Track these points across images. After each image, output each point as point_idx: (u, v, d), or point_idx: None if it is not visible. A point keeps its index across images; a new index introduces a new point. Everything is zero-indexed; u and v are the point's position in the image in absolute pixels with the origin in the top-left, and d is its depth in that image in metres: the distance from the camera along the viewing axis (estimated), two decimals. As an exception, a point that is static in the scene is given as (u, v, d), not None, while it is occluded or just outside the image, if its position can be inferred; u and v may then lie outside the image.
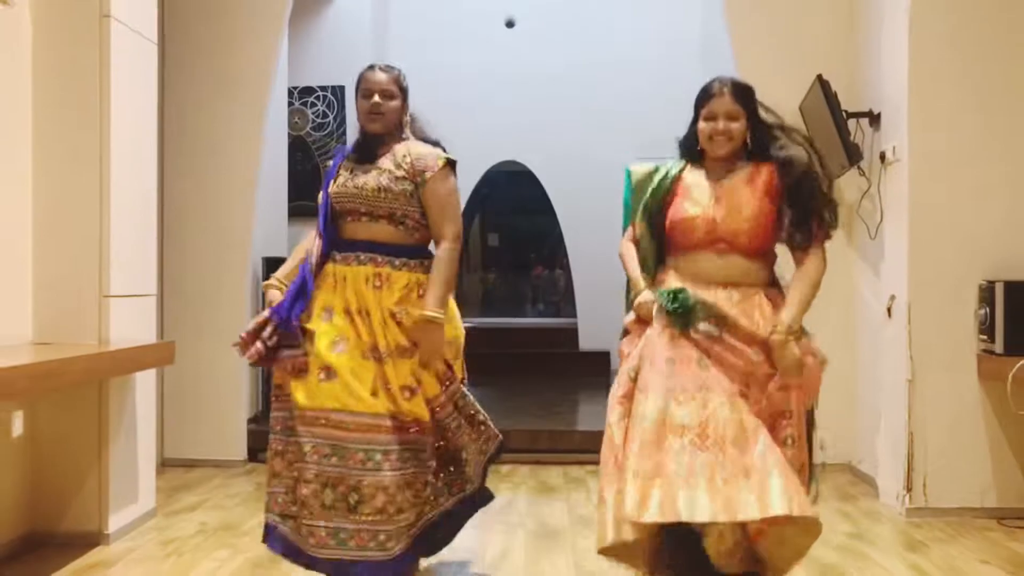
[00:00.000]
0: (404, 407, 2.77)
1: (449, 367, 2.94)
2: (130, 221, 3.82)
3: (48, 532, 3.63)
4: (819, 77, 4.43)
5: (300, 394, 2.75)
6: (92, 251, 3.63)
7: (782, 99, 4.62)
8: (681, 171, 2.81)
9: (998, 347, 3.90)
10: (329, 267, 2.88)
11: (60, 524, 3.64)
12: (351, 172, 2.91)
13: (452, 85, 8.85)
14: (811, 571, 3.29)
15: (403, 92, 2.98)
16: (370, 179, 2.86)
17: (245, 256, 5.17)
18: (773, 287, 2.73)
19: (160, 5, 4.19)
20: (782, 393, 2.55)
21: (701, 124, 2.73)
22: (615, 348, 9.33)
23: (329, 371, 2.73)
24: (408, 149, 2.92)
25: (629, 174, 2.89)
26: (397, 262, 2.87)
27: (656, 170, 2.83)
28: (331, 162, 3.06)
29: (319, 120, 7.57)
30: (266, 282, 3.02)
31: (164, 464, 5.04)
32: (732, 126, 2.69)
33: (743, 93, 2.73)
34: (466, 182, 8.96)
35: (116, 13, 3.68)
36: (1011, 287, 3.88)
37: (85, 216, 3.63)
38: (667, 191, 2.77)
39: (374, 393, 2.74)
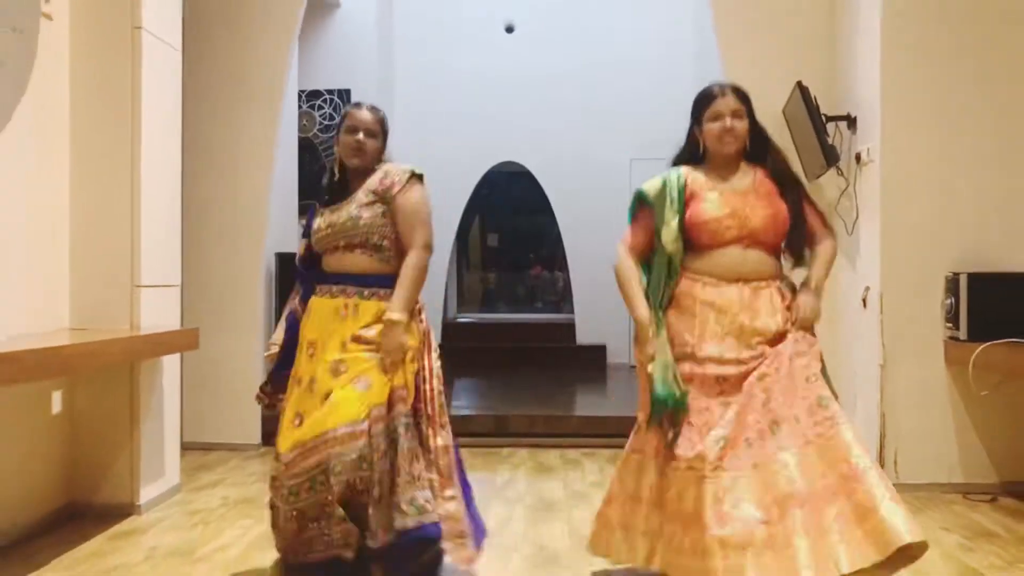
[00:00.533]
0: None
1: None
2: (158, 217, 4.13)
3: (85, 503, 3.93)
4: (799, 84, 4.74)
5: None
6: (125, 244, 3.94)
7: (767, 104, 4.99)
8: (685, 177, 2.92)
9: (962, 334, 4.20)
10: (311, 301, 3.05)
11: (96, 496, 3.95)
12: (329, 213, 3.04)
13: (453, 88, 9.19)
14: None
15: (384, 133, 3.08)
16: (343, 212, 2.98)
17: (259, 251, 5.48)
18: (783, 281, 2.92)
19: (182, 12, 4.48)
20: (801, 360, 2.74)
21: (708, 125, 2.86)
22: (611, 342, 9.69)
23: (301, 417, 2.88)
24: (379, 174, 3.03)
25: (644, 195, 2.94)
26: (366, 292, 2.94)
27: (664, 183, 2.91)
28: (307, 216, 3.18)
29: (326, 122, 7.87)
30: (267, 354, 3.22)
31: (183, 447, 5.32)
32: (738, 124, 2.85)
33: (744, 95, 2.91)
34: (466, 183, 9.31)
35: (146, 25, 3.99)
36: (974, 278, 4.19)
37: (118, 212, 3.94)
38: (684, 198, 2.88)
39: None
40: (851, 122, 4.88)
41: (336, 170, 3.10)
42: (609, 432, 5.48)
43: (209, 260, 5.41)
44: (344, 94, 7.91)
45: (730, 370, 2.74)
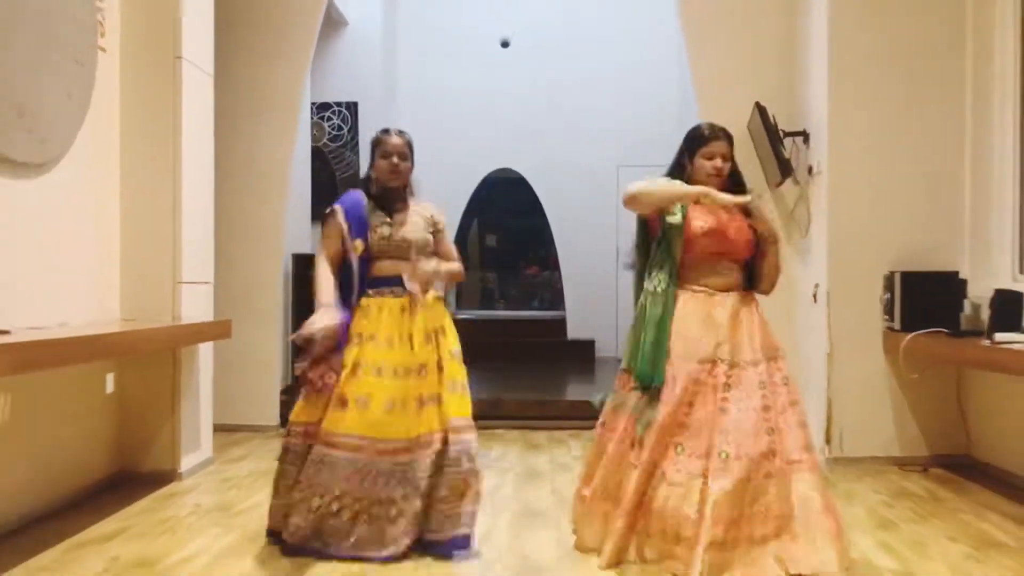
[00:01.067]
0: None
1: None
2: (195, 222, 4.74)
3: (133, 470, 4.54)
4: (757, 104, 5.35)
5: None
6: (167, 246, 4.55)
7: (733, 121, 5.60)
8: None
9: (896, 325, 4.81)
10: (364, 301, 3.46)
11: (143, 464, 4.56)
12: (387, 225, 3.49)
13: (454, 100, 9.81)
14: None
15: (412, 153, 3.59)
16: (410, 232, 3.50)
17: (279, 252, 6.10)
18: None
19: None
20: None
21: (701, 161, 3.34)
22: (599, 337, 10.37)
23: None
24: (424, 207, 3.62)
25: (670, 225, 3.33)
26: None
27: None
28: (339, 207, 3.52)
29: (335, 132, 8.48)
30: (326, 305, 3.40)
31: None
32: (725, 167, 3.40)
33: (731, 138, 3.44)
34: (465, 188, 9.93)
35: (186, 54, 4.60)
36: (906, 276, 4.80)
37: (161, 219, 4.55)
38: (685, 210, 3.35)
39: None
40: (806, 137, 5.49)
41: (373, 189, 3.58)
42: (594, 415, 6.07)
43: (235, 260, 6.00)
44: (352, 106, 8.52)
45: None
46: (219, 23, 5.15)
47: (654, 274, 3.37)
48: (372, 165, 3.60)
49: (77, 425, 4.20)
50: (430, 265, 3.51)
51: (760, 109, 5.33)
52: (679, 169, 3.45)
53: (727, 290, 3.37)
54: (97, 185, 4.35)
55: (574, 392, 7.76)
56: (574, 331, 9.90)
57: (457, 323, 3.71)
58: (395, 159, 3.53)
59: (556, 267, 10.44)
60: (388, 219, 3.51)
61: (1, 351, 2.77)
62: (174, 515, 3.92)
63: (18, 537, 3.54)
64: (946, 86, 5.02)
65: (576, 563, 3.29)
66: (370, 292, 3.48)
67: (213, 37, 5.03)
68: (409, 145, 3.60)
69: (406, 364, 3.38)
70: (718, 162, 3.37)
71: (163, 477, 4.53)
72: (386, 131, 3.63)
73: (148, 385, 4.57)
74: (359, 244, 3.47)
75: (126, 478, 4.50)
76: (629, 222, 10.08)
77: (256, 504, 4.10)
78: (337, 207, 3.54)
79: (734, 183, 3.46)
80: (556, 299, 10.46)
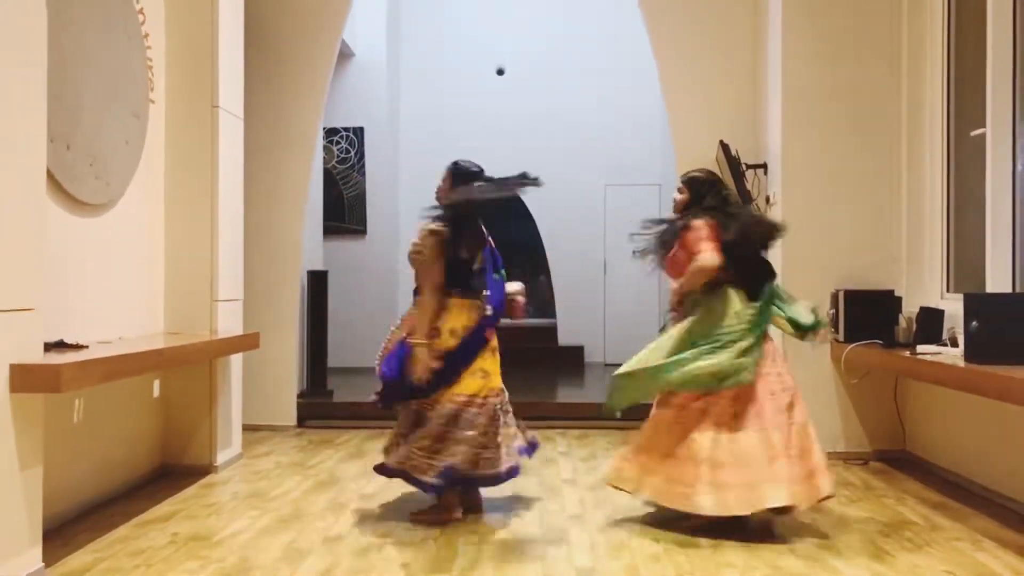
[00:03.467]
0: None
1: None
2: (228, 248, 5.43)
3: (176, 464, 5.24)
4: (720, 141, 6.05)
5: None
6: (205, 269, 5.24)
7: (704, 155, 6.29)
8: None
9: (841, 336, 5.51)
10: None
11: (183, 458, 5.25)
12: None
13: (453, 123, 10.51)
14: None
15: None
16: None
17: (296, 269, 6.79)
18: None
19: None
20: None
21: None
22: (588, 344, 11.13)
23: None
24: None
25: None
26: None
27: None
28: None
29: (343, 155, 9.19)
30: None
31: (235, 428, 6.65)
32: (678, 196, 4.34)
33: (684, 183, 4.44)
34: (463, 204, 10.58)
35: (222, 104, 5.30)
36: (849, 294, 5.50)
37: (200, 245, 5.24)
38: None
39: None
40: (765, 169, 6.19)
41: None
42: (580, 415, 6.80)
43: (259, 277, 6.68)
44: (359, 131, 9.23)
45: None
46: (245, 66, 5.83)
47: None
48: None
49: (130, 424, 4.88)
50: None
51: (723, 146, 6.03)
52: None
53: None
54: (146, 219, 5.04)
55: (564, 395, 8.45)
56: (564, 338, 10.60)
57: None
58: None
59: (547, 277, 11.11)
60: None
61: (97, 364, 3.46)
62: (216, 501, 4.62)
63: (88, 518, 4.23)
64: (885, 125, 5.73)
65: (557, 542, 3.99)
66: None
67: (243, 83, 5.72)
68: None
69: None
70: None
71: (201, 470, 5.22)
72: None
73: (188, 390, 5.27)
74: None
75: (169, 470, 5.20)
76: (615, 236, 10.75)
77: (285, 491, 4.79)
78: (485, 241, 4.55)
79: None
80: (547, 307, 11.12)
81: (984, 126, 4.85)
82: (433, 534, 4.01)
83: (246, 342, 5.43)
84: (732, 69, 6.47)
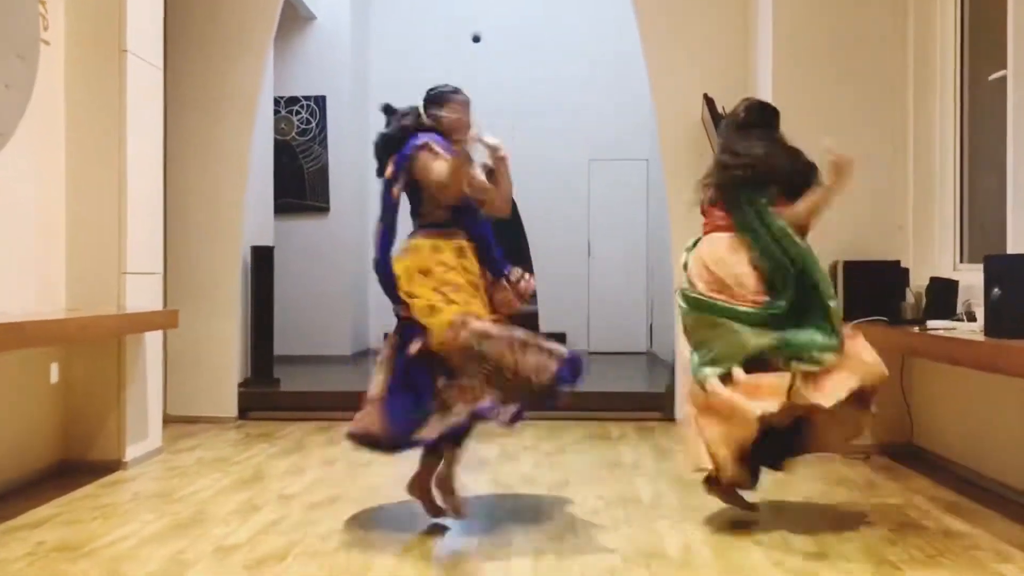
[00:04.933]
0: None
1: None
2: (141, 214, 4.78)
3: (78, 459, 4.58)
4: (704, 95, 5.40)
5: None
6: (112, 237, 4.59)
7: (688, 113, 5.65)
8: None
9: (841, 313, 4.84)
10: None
11: (88, 453, 4.60)
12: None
13: (424, 94, 9.77)
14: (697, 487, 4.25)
15: None
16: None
17: (237, 244, 6.14)
18: None
19: (163, 31, 5.12)
20: None
21: None
22: (571, 330, 10.46)
23: None
24: None
25: None
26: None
27: None
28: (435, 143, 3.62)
29: (303, 126, 8.53)
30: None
31: (168, 419, 5.98)
32: None
33: None
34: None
35: (131, 47, 4.64)
36: (849, 265, 4.84)
37: (107, 210, 4.59)
38: None
39: None
40: (756, 129, 5.52)
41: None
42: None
43: (191, 251, 6.05)
44: (320, 100, 8.57)
45: None
46: (173, 17, 5.20)
47: None
48: (434, 118, 3.70)
49: (19, 414, 4.24)
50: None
51: (707, 100, 5.37)
52: None
53: None
54: (41, 176, 4.39)
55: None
56: (546, 324, 9.92)
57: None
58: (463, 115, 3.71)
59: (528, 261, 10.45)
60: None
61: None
62: (111, 502, 3.96)
63: (-50, 523, 3.58)
64: (888, 77, 5.07)
65: (497, 555, 3.34)
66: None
67: (162, 30, 5.06)
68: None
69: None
70: None
71: (108, 466, 4.57)
72: (456, 89, 3.82)
73: (93, 375, 4.61)
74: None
75: (70, 467, 4.54)
76: (600, 216, 10.13)
77: (196, 491, 4.15)
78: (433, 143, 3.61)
79: None
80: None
81: (1004, 67, 4.17)
82: (347, 540, 3.35)
83: (160, 320, 4.79)
84: (718, 15, 5.82)
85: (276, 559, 3.15)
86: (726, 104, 5.49)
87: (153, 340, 4.94)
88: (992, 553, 3.21)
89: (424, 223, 3.66)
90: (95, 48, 4.59)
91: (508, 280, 3.68)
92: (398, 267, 3.56)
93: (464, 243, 3.63)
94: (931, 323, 4.12)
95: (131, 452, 4.68)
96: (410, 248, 3.61)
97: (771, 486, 3.93)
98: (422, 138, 3.64)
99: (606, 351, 9.59)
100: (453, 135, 3.65)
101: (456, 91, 3.81)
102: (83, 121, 4.58)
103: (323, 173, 8.54)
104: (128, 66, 4.62)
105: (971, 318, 4.01)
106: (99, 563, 3.11)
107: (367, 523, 3.64)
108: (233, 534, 3.46)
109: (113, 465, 4.58)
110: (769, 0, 5.19)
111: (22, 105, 4.18)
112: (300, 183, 8.27)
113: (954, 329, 3.91)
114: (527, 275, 3.78)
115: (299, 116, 8.49)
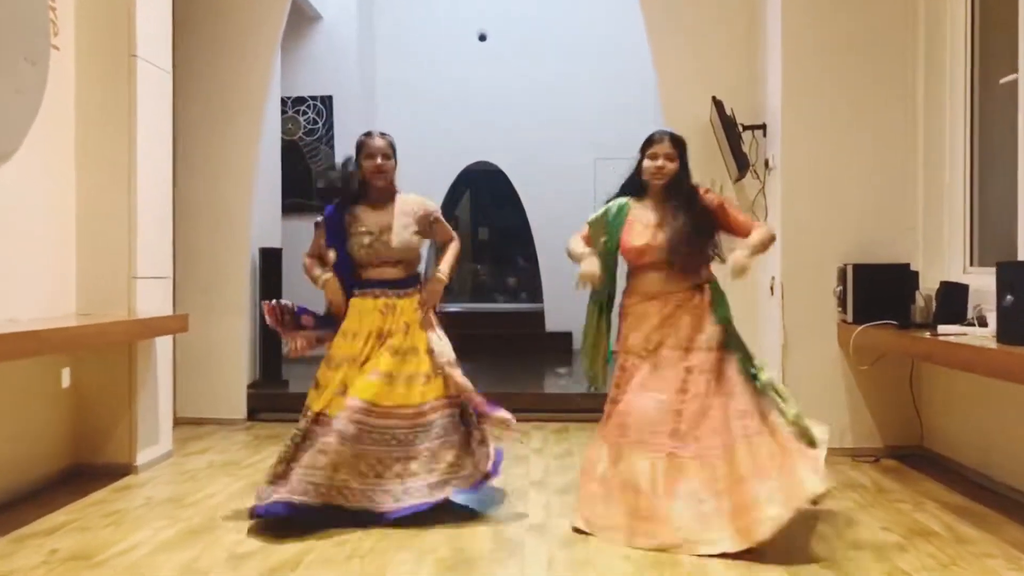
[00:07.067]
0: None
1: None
2: (151, 218, 4.77)
3: (90, 464, 4.59)
4: (713, 98, 5.37)
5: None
6: (122, 241, 4.59)
7: (696, 115, 5.63)
8: (628, 207, 3.73)
9: (849, 317, 4.84)
10: (352, 300, 3.90)
11: (99, 457, 4.60)
12: (368, 234, 3.88)
13: (431, 93, 9.82)
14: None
15: (395, 153, 3.95)
16: (393, 239, 3.87)
17: (245, 246, 6.13)
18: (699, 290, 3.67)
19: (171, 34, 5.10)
20: None
21: (647, 161, 3.68)
22: (577, 329, 10.43)
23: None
24: (410, 202, 3.98)
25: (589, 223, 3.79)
26: (402, 293, 3.91)
27: (605, 212, 3.74)
28: (322, 220, 3.98)
29: (310, 126, 8.52)
30: (327, 276, 3.92)
31: (177, 422, 5.98)
32: (667, 165, 3.66)
33: (679, 141, 3.72)
34: (443, 180, 9.94)
35: (141, 53, 4.63)
36: (858, 268, 4.82)
37: (116, 214, 4.58)
38: (620, 225, 3.69)
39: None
40: (764, 130, 5.51)
41: (357, 188, 3.99)
42: (566, 408, 6.19)
43: (201, 254, 6.04)
44: (327, 100, 8.56)
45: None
46: (180, 20, 5.19)
47: None
48: (358, 167, 3.95)
49: (32, 419, 4.25)
50: (435, 292, 3.98)
51: (716, 103, 5.35)
52: (637, 170, 3.76)
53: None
54: (51, 181, 4.39)
55: (551, 385, 7.78)
56: (552, 324, 9.93)
57: (438, 315, 4.05)
58: (379, 160, 3.88)
59: (534, 260, 10.46)
60: (369, 229, 3.88)
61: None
62: (123, 508, 3.97)
63: (-37, 530, 3.60)
64: (898, 77, 5.04)
65: (508, 559, 3.34)
66: (356, 292, 3.92)
67: (171, 34, 5.06)
68: (392, 145, 3.96)
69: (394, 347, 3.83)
70: (659, 161, 3.67)
71: (119, 470, 4.57)
72: (368, 134, 3.97)
73: (104, 380, 4.61)
74: (332, 254, 3.93)
75: (82, 472, 4.55)
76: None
77: (208, 496, 4.16)
78: (321, 220, 4.00)
79: (675, 187, 3.71)
80: (529, 291, 10.48)
81: (1015, 71, 4.16)
82: (361, 550, 3.35)
83: (171, 324, 4.79)
84: (727, 17, 5.76)
85: (289, 567, 3.16)
86: (735, 106, 5.50)
87: (163, 344, 4.95)
88: (1005, 560, 3.21)
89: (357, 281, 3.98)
90: (105, 53, 4.58)
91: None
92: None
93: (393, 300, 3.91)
94: (942, 328, 4.10)
95: (142, 456, 4.68)
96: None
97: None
98: (327, 210, 4.04)
99: (612, 350, 9.55)
100: (372, 182, 3.92)
101: (368, 135, 3.99)
102: (93, 126, 4.58)
103: (330, 172, 8.53)
104: (138, 71, 4.61)
105: (982, 323, 3.99)
106: (114, 572, 3.12)
107: (380, 529, 3.63)
108: (246, 541, 3.47)
109: (124, 469, 4.59)
110: (778, 1, 5.16)
111: (33, 110, 4.18)
112: (307, 183, 8.26)
113: (965, 335, 3.89)
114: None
115: (306, 116, 8.48)
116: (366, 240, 3.87)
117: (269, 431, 5.80)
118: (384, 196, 3.96)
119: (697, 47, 5.79)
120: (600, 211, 3.79)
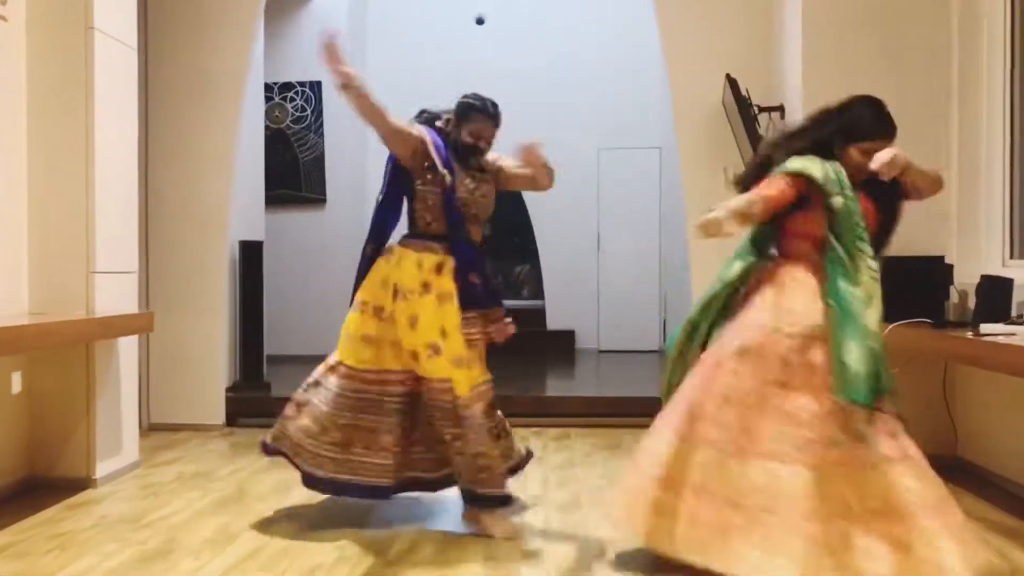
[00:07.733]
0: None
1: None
2: (113, 207, 4.36)
3: (43, 476, 4.18)
4: (727, 76, 4.95)
5: None
6: (80, 233, 4.18)
7: (707, 96, 5.21)
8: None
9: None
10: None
11: (54, 470, 4.20)
12: (473, 179, 3.59)
13: (426, 79, 9.32)
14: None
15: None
16: (487, 198, 3.65)
17: (223, 239, 5.72)
18: None
19: (143, 14, 4.71)
20: None
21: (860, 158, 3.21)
22: (579, 327, 9.99)
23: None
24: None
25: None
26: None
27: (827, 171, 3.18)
28: (426, 134, 3.57)
29: (298, 114, 8.10)
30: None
31: (150, 428, 5.59)
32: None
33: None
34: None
35: (99, 25, 4.22)
36: (887, 262, 4.36)
37: (73, 203, 4.17)
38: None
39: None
40: (783, 112, 5.10)
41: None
42: (562, 412, 5.79)
43: (174, 248, 5.64)
44: (316, 86, 8.14)
45: None
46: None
47: None
48: (461, 130, 3.61)
49: (-24, 428, 3.85)
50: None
51: (731, 81, 4.94)
52: (822, 147, 3.27)
53: None
54: (0, 164, 3.99)
55: (553, 387, 7.38)
56: (553, 322, 9.52)
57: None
58: (483, 144, 3.65)
59: (535, 256, 10.05)
60: (473, 176, 3.58)
61: None
62: (71, 529, 3.55)
63: None
64: (929, 51, 4.64)
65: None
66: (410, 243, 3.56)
67: (135, 6, 4.64)
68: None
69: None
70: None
71: (76, 484, 4.17)
72: (490, 111, 3.70)
73: (59, 384, 4.21)
74: (448, 176, 3.47)
75: (36, 486, 4.14)
76: (610, 208, 9.70)
77: (169, 514, 3.75)
78: (424, 132, 3.57)
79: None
80: (528, 288, 10.06)
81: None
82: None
83: (133, 323, 4.37)
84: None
85: (248, 604, 2.75)
86: (750, 86, 5.08)
87: (128, 345, 4.53)
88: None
89: (412, 231, 3.62)
90: (59, 25, 4.17)
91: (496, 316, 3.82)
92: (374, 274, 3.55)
93: (446, 259, 3.51)
94: (985, 327, 3.68)
95: (102, 468, 4.27)
96: (393, 254, 3.55)
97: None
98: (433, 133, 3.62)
99: (616, 349, 9.16)
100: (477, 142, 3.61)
101: (482, 106, 3.72)
102: (47, 104, 4.17)
103: (319, 163, 8.09)
104: (96, 44, 4.19)
105: (1031, 321, 3.58)
106: (44, 610, 2.72)
107: (358, 554, 3.22)
108: (203, 569, 3.06)
109: (82, 483, 4.18)
110: (798, -28, 4.75)
111: (-26, 87, 3.78)
112: (295, 174, 7.85)
113: (1014, 335, 3.47)
114: (509, 319, 3.89)
115: (293, 103, 8.06)
116: (471, 184, 3.56)
117: (249, 438, 5.37)
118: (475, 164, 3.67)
119: (709, 20, 5.38)
120: (815, 164, 3.18)
